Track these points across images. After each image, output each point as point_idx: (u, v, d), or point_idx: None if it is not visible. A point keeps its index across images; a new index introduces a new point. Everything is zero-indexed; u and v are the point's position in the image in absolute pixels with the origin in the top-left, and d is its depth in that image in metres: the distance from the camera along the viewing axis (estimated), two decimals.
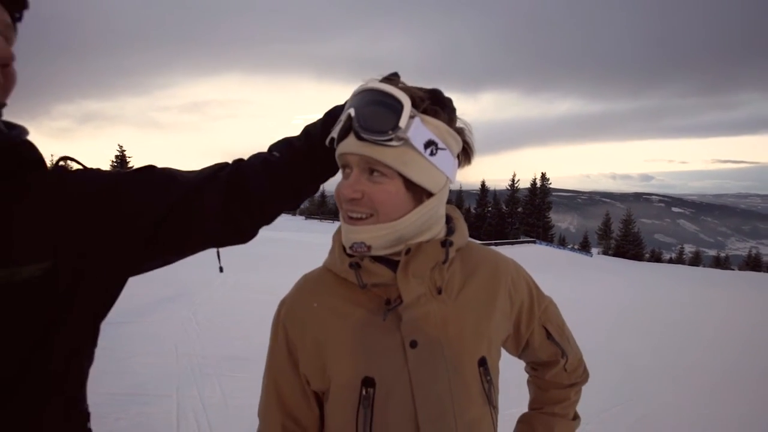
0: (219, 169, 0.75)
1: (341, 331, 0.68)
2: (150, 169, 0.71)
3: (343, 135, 0.66)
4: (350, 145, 0.64)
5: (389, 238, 0.65)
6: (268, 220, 0.79)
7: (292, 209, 0.81)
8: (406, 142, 0.62)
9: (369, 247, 0.65)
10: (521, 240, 28.53)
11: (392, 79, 0.67)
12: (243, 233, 0.77)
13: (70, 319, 0.60)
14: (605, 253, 37.44)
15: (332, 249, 0.74)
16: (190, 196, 0.69)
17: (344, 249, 0.70)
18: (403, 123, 0.61)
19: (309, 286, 0.74)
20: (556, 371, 0.84)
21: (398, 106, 0.61)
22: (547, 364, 0.85)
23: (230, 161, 0.79)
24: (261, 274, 7.88)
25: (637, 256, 35.25)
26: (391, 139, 0.61)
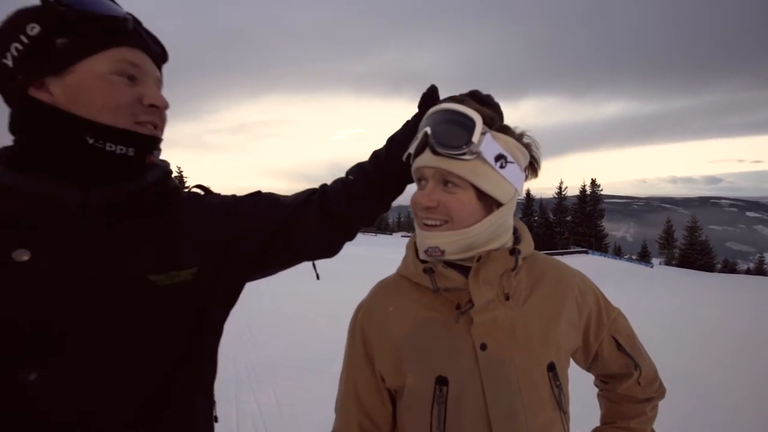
0: (311, 193, 0.86)
1: (416, 332, 0.73)
2: (258, 195, 0.83)
3: (419, 151, 0.73)
4: (426, 159, 0.71)
5: (461, 244, 0.70)
6: (352, 236, 0.88)
7: (369, 225, 0.90)
8: (478, 155, 0.69)
9: (443, 252, 0.70)
10: (572, 250, 27.02)
11: (464, 99, 0.73)
12: (333, 249, 0.87)
13: (209, 317, 0.70)
14: (668, 263, 34.44)
15: (406, 256, 0.79)
16: (291, 218, 0.80)
17: (417, 256, 0.75)
18: (475, 138, 0.68)
19: (384, 291, 0.81)
20: (629, 384, 0.82)
21: (471, 124, 0.68)
22: (618, 376, 0.83)
23: (317, 186, 0.88)
24: (309, 286, 8.11)
25: (707, 267, 32.05)
26: (464, 153, 0.68)
